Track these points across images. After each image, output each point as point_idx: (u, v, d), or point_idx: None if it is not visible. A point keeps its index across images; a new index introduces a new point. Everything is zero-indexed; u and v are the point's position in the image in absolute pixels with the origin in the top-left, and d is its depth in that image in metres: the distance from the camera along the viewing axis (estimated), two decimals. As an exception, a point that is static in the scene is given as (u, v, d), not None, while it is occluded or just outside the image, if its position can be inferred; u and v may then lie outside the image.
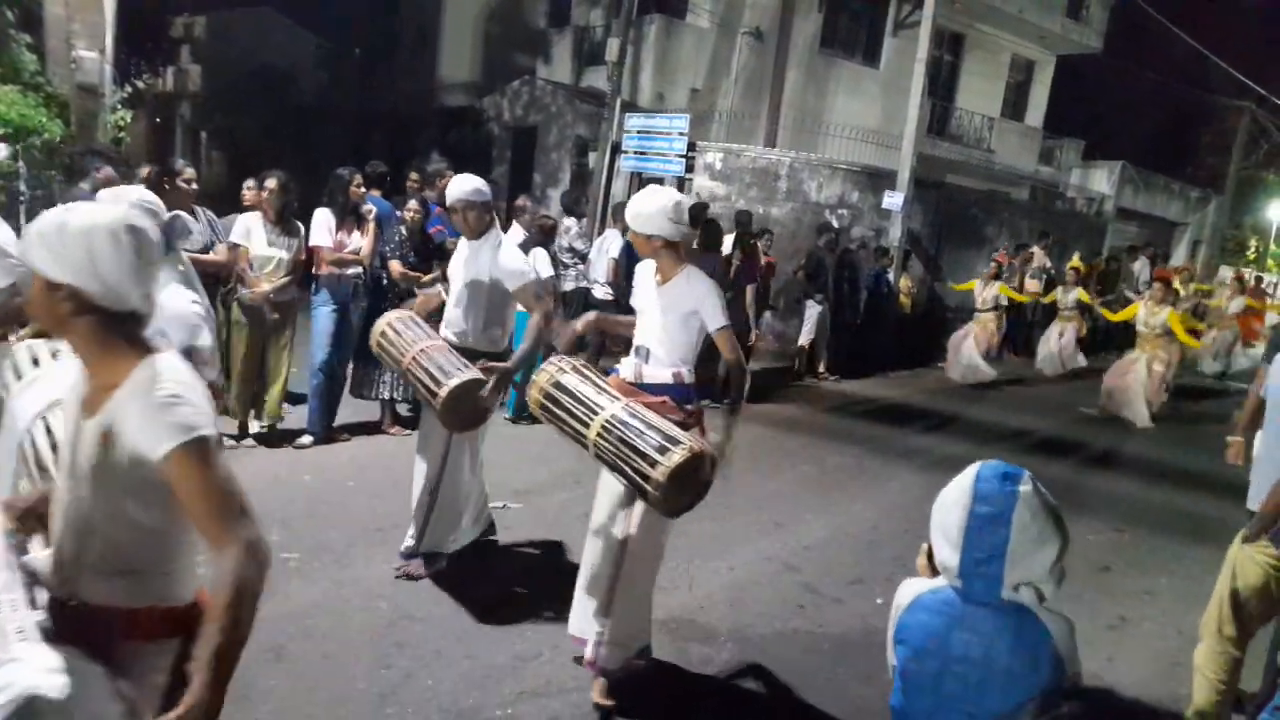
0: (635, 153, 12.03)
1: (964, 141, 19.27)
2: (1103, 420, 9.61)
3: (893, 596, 4.68)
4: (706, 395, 8.65)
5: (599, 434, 3.08)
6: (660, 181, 12.98)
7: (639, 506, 3.24)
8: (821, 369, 10.58)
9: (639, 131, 12.02)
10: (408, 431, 6.21)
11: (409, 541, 4.25)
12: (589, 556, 3.46)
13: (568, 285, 7.94)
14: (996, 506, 1.75)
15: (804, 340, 10.36)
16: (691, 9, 15.53)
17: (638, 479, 2.96)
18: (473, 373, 3.80)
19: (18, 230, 2.67)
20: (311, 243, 5.88)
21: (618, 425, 3.04)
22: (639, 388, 3.31)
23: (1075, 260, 13.10)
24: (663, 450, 2.92)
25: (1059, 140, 22.53)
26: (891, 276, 11.56)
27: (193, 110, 21.69)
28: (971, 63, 19.65)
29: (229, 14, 22.60)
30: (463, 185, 4.15)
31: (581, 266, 8.08)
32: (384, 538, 4.49)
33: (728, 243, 9.04)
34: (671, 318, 3.31)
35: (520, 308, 4.29)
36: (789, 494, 6.18)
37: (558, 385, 3.27)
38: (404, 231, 6.52)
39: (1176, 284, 12.65)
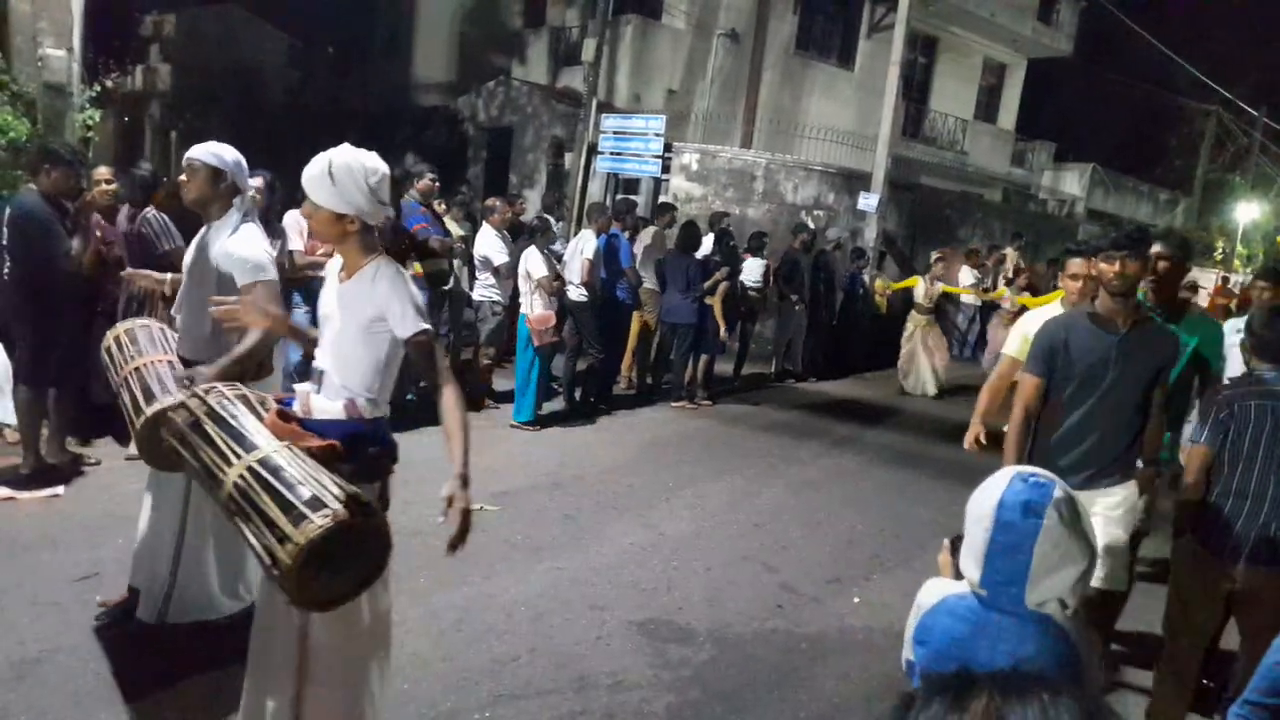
0: (611, 154, 12.06)
1: (937, 143, 19.48)
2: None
3: (870, 595, 4.65)
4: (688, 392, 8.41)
5: (231, 492, 2.22)
6: (637, 183, 13.06)
7: None
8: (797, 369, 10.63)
9: (615, 132, 12.04)
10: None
11: (142, 609, 3.42)
12: (255, 645, 2.59)
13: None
14: (1017, 537, 1.67)
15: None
16: (667, 10, 15.57)
17: (266, 558, 2.13)
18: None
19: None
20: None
21: (252, 480, 2.20)
22: (306, 426, 2.42)
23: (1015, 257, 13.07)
24: (300, 520, 2.09)
25: (1030, 142, 22.85)
26: (867, 278, 11.64)
27: (162, 110, 21.39)
28: (944, 65, 19.87)
29: (199, 12, 22.32)
30: (197, 146, 3.32)
31: (558, 267, 8.06)
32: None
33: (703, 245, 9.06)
34: (350, 327, 2.45)
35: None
36: (766, 494, 6.20)
37: (195, 425, 2.38)
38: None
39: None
